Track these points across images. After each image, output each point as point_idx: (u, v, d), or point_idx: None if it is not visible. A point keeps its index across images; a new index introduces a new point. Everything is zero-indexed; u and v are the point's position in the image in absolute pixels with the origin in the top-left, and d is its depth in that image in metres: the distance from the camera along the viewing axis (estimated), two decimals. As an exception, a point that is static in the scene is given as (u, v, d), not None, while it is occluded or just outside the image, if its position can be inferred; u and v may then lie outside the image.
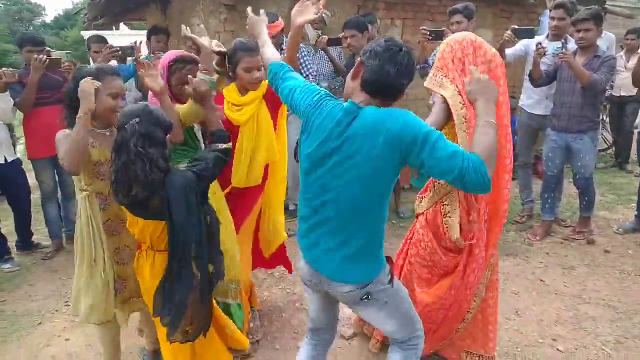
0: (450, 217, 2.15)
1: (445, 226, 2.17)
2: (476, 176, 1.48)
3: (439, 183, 2.17)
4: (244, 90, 2.48)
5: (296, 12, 2.09)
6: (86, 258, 2.12)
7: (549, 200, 4.12)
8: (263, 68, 2.35)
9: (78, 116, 1.95)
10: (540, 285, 3.37)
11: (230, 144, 1.99)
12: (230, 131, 2.32)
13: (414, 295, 2.29)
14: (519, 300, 3.18)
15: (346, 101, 1.68)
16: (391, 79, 1.56)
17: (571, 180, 4.20)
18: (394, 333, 1.87)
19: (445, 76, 2.01)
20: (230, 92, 2.51)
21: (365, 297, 1.72)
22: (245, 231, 2.67)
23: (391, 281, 1.78)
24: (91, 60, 4.52)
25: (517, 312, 3.04)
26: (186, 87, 2.21)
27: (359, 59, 1.65)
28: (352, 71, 1.67)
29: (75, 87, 2.00)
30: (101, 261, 2.12)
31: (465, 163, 1.48)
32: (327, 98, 1.72)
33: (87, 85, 1.96)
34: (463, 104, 1.96)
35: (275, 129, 2.60)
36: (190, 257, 1.81)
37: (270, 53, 2.05)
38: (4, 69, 3.68)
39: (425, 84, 2.10)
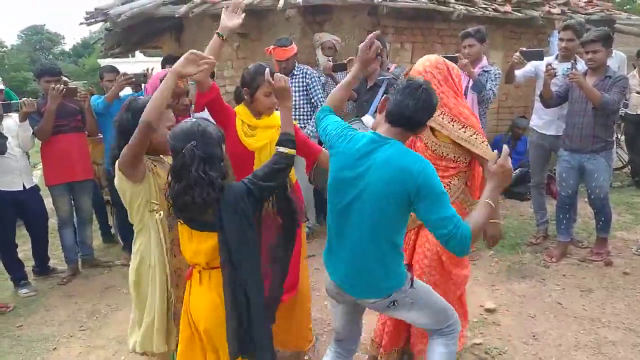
0: None
1: None
2: (459, 245, 1.68)
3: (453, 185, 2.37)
4: (257, 113, 2.48)
5: (224, 18, 2.27)
6: (151, 281, 2.07)
7: (564, 221, 4.07)
8: None
9: (169, 71, 1.89)
10: (558, 308, 3.30)
11: (295, 151, 1.92)
12: (245, 156, 2.36)
13: None
14: (535, 324, 3.12)
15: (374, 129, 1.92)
16: (409, 111, 1.77)
17: (586, 200, 4.15)
18: (428, 325, 2.01)
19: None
20: (243, 112, 2.51)
21: (392, 304, 1.89)
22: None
23: (412, 285, 1.93)
24: (104, 89, 4.65)
25: (534, 336, 2.98)
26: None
27: (385, 95, 1.90)
28: (379, 105, 1.92)
29: (132, 117, 1.97)
30: (165, 282, 2.09)
31: (455, 230, 1.66)
32: (351, 129, 1.95)
33: (188, 54, 1.90)
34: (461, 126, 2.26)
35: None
36: (246, 274, 1.77)
37: (331, 94, 2.23)
38: (24, 99, 3.80)
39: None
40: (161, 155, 2.16)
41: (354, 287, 1.90)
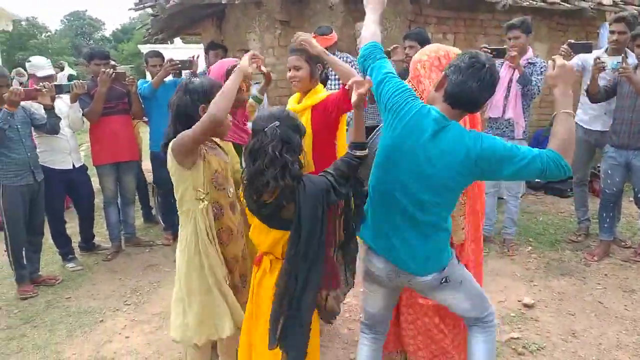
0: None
1: None
2: (557, 169, 1.63)
3: None
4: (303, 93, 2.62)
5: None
6: (198, 270, 2.05)
7: (608, 219, 3.97)
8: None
9: (235, 69, 2.03)
10: (599, 307, 3.24)
11: (367, 151, 1.91)
12: None
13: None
14: (575, 322, 3.07)
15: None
16: (473, 94, 1.68)
17: (631, 198, 4.03)
18: (471, 311, 1.97)
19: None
20: (294, 97, 2.69)
21: (444, 280, 1.87)
22: None
23: (458, 261, 1.95)
24: (148, 74, 4.78)
25: (573, 333, 2.94)
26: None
27: (444, 71, 1.75)
28: (437, 81, 1.78)
29: (190, 99, 2.01)
30: (218, 271, 2.07)
31: (544, 164, 1.62)
32: (414, 97, 1.80)
33: (251, 53, 2.17)
34: None
35: (335, 136, 2.65)
36: (306, 271, 1.75)
37: (370, 31, 2.02)
38: (75, 81, 3.95)
39: None
40: (215, 140, 2.20)
41: (412, 264, 1.85)
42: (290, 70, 2.57)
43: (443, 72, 1.76)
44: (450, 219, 1.92)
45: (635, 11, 5.03)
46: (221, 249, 2.11)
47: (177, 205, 2.10)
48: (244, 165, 1.81)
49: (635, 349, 2.79)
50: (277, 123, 1.70)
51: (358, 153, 1.87)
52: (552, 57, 1.77)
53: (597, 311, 3.19)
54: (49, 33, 34.86)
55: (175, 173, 2.02)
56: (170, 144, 1.97)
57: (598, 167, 4.79)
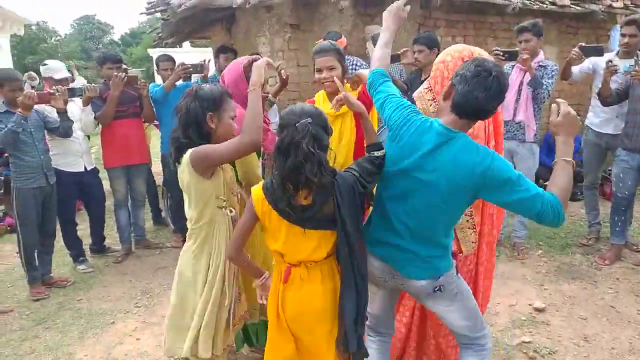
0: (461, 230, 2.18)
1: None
2: (553, 215, 1.60)
3: None
4: (330, 95, 2.57)
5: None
6: (214, 280, 2.02)
7: (619, 223, 3.94)
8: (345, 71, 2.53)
9: (250, 88, 1.98)
10: (611, 312, 3.21)
11: (385, 151, 1.90)
12: None
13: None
14: (586, 326, 3.05)
15: (437, 116, 1.79)
16: (480, 103, 1.64)
17: (643, 202, 4.00)
18: (464, 328, 1.93)
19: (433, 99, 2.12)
20: (321, 100, 2.63)
21: (438, 288, 1.84)
22: None
23: (457, 273, 1.92)
24: (158, 77, 4.82)
25: (585, 337, 2.91)
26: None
27: (450, 80, 1.73)
28: (444, 91, 1.76)
29: (200, 104, 1.94)
30: (233, 279, 2.07)
31: (544, 206, 1.59)
32: (415, 113, 1.81)
33: (263, 61, 2.11)
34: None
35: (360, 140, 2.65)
36: (362, 266, 1.75)
37: (377, 55, 2.04)
38: (87, 84, 3.99)
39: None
40: None
41: (406, 267, 1.84)
42: (320, 71, 2.52)
43: (450, 82, 1.73)
44: (452, 232, 1.92)
45: (646, 14, 5.00)
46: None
47: (193, 219, 2.01)
48: (269, 164, 1.79)
49: (649, 354, 2.77)
50: (309, 120, 1.64)
51: (377, 154, 1.87)
52: (556, 100, 1.73)
53: (609, 315, 3.17)
54: (58, 37, 35.21)
55: (194, 184, 1.93)
56: (190, 156, 1.88)
57: (609, 170, 4.75)
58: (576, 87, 5.87)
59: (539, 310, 3.20)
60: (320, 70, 2.53)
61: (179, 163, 1.96)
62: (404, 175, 1.77)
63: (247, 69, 2.37)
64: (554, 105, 1.71)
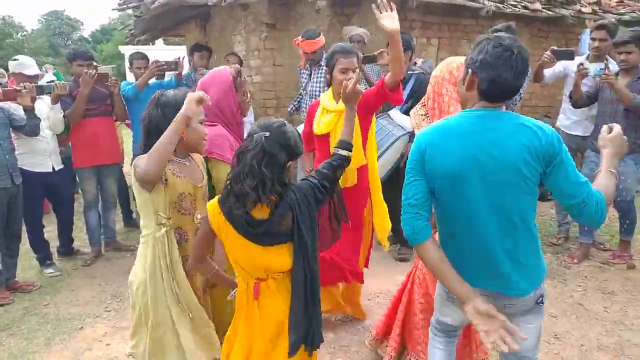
0: None
1: None
2: (595, 209, 1.54)
3: None
4: (338, 95, 2.58)
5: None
6: (162, 305, 1.95)
7: (588, 223, 4.04)
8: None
9: (174, 120, 1.81)
10: (579, 309, 3.29)
11: (352, 153, 1.88)
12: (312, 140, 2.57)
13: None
14: (556, 324, 3.11)
15: (463, 108, 1.72)
16: (510, 84, 1.54)
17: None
18: (530, 350, 1.76)
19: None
20: (327, 97, 2.69)
21: (540, 299, 1.70)
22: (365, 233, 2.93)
23: None
24: (130, 75, 4.70)
25: (556, 335, 2.97)
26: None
27: (469, 68, 1.60)
28: (466, 81, 1.63)
29: (162, 113, 1.89)
30: (184, 303, 1.97)
31: (590, 195, 1.53)
32: (412, 168, 1.70)
33: (198, 95, 1.87)
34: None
35: (366, 137, 2.67)
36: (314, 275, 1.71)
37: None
38: (56, 81, 3.86)
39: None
40: (191, 155, 2.07)
41: (522, 283, 1.63)
42: (346, 71, 2.52)
43: (469, 70, 1.60)
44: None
45: (614, 19, 5.15)
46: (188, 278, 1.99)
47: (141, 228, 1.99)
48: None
49: (616, 350, 2.84)
50: (266, 133, 1.60)
51: (342, 152, 1.84)
52: (611, 124, 1.77)
53: (577, 313, 3.24)
54: (25, 32, 34.13)
55: (137, 192, 1.89)
56: (135, 164, 1.84)
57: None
58: (547, 89, 6.01)
59: (512, 309, 3.25)
60: (346, 71, 2.54)
61: None
62: (463, 176, 1.59)
63: (236, 78, 2.36)
64: (606, 127, 1.77)
